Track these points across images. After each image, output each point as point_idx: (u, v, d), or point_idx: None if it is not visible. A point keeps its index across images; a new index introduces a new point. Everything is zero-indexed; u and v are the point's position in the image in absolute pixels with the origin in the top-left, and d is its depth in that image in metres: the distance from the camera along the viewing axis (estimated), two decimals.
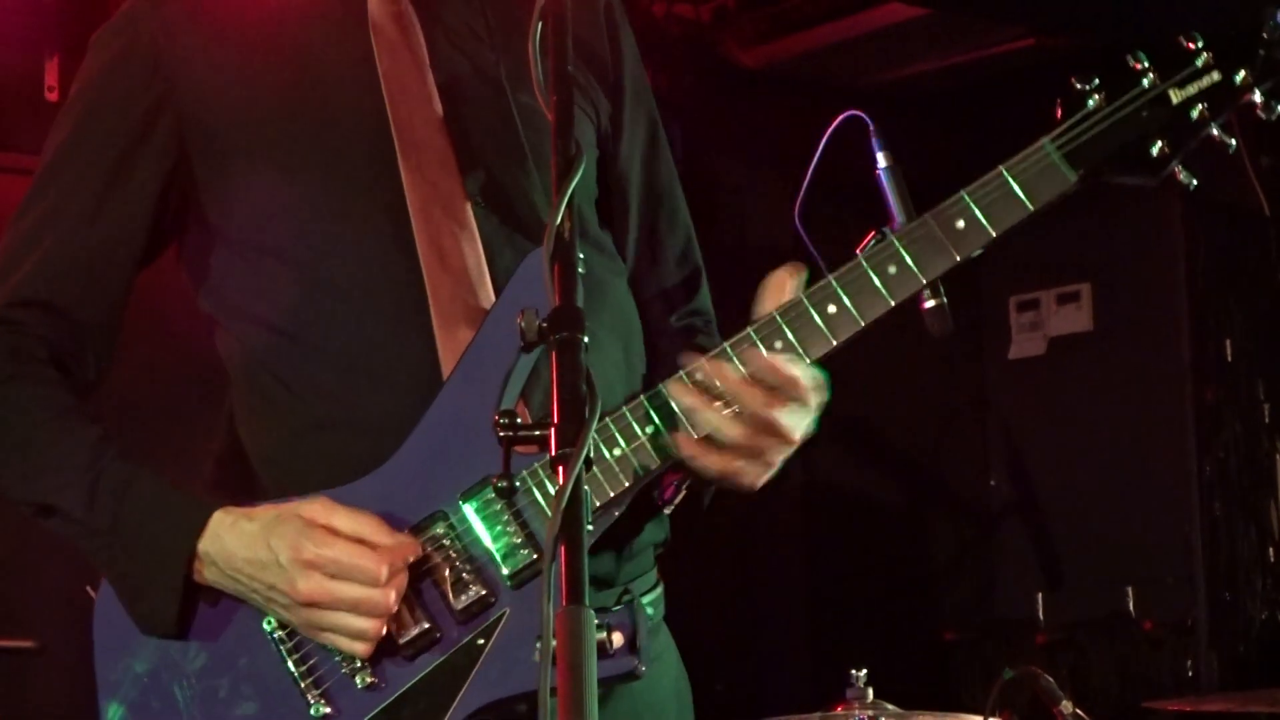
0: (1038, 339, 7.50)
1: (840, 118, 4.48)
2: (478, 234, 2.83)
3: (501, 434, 2.31)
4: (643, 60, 3.13)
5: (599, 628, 2.49)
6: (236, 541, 2.71)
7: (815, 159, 4.51)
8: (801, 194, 4.48)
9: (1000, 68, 7.32)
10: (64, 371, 2.90)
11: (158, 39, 2.90)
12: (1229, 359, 7.14)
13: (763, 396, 2.65)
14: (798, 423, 2.69)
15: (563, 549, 1.97)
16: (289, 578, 2.65)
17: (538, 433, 2.24)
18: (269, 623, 2.74)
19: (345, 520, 2.67)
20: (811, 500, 7.85)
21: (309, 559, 2.65)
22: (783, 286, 2.74)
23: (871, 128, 4.41)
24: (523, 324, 2.27)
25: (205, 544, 2.72)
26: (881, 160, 4.39)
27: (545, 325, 2.22)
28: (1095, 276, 7.21)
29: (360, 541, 2.66)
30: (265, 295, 2.88)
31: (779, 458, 2.72)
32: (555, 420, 2.10)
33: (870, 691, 4.91)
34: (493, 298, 2.79)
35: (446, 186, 2.84)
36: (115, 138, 2.91)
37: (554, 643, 1.95)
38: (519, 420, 2.31)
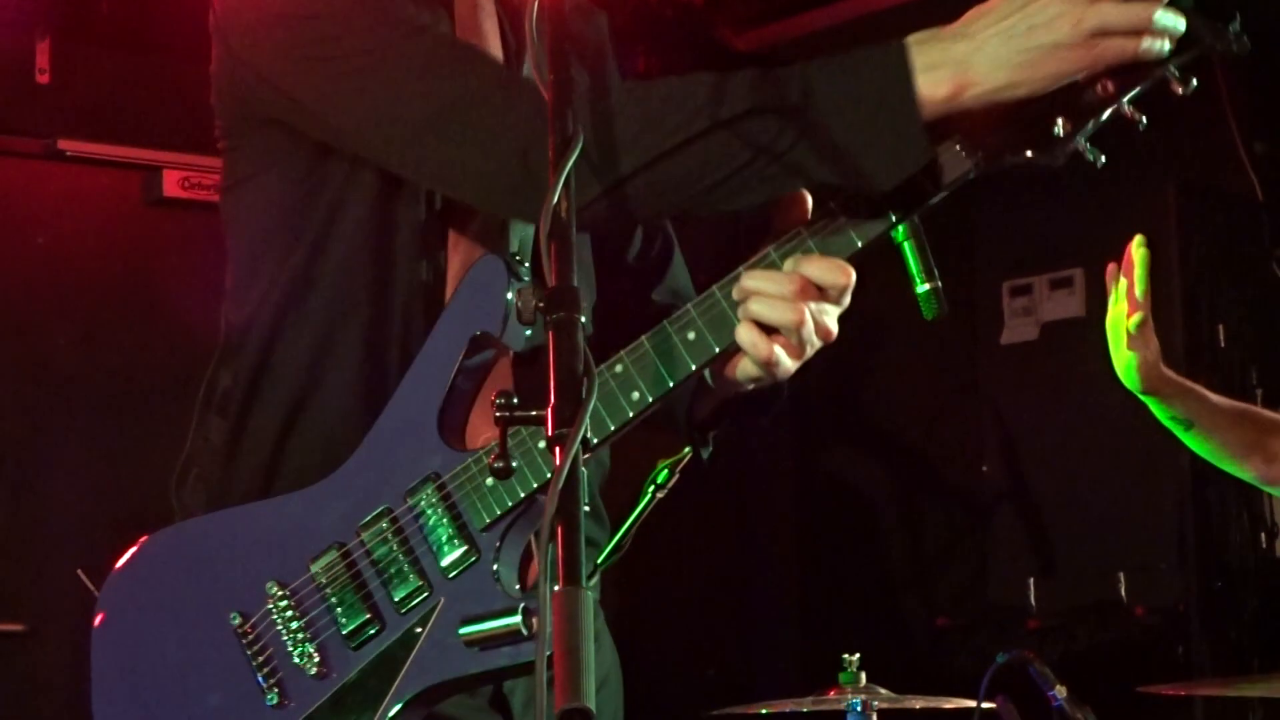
0: (1030, 324, 7.49)
1: None
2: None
3: (498, 414, 2.33)
4: (636, 43, 3.17)
5: (513, 612, 2.66)
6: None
7: None
8: None
9: None
10: None
11: None
12: (1222, 345, 7.13)
13: (816, 294, 2.68)
14: (835, 321, 2.73)
15: (560, 529, 1.96)
16: None
17: (535, 413, 2.24)
18: (235, 617, 2.83)
19: None
20: (804, 486, 7.86)
21: None
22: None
23: None
24: (519, 304, 2.29)
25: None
26: None
27: (542, 305, 2.22)
28: (1088, 262, 7.19)
29: None
30: (285, 300, 2.92)
31: (811, 353, 2.74)
32: (552, 401, 2.10)
33: (863, 676, 4.92)
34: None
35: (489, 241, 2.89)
36: None
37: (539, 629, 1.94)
38: (515, 401, 2.33)
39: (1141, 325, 4.22)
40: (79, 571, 5.56)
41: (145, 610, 2.91)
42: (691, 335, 2.70)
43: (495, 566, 2.75)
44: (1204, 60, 2.60)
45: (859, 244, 2.69)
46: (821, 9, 7.27)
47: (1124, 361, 4.31)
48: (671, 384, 2.71)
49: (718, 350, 2.71)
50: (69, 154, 6.30)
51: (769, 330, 2.68)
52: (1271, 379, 7.19)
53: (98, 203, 6.38)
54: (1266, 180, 7.04)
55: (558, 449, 2.04)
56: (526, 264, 2.82)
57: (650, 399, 2.71)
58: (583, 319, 2.17)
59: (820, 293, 2.67)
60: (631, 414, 2.71)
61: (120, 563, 2.96)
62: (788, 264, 2.68)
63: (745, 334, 2.68)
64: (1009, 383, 7.57)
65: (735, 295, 2.70)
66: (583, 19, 3.12)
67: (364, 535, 2.80)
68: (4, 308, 6.27)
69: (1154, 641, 7.01)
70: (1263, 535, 7.06)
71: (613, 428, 2.72)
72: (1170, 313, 6.99)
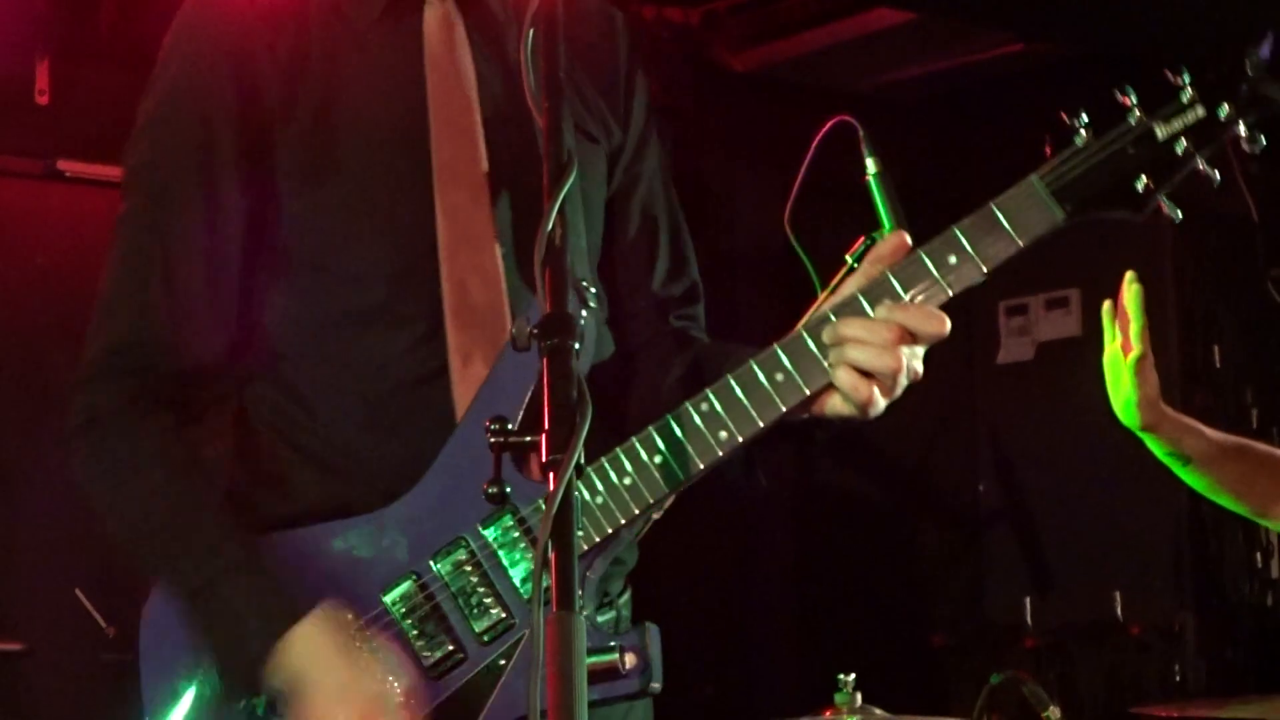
0: (1026, 344, 7.51)
1: (830, 123, 4.48)
2: (503, 277, 2.87)
3: (492, 440, 2.34)
4: (639, 60, 3.17)
5: (611, 650, 2.66)
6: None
7: (805, 164, 4.51)
8: (791, 199, 4.49)
9: (989, 73, 7.33)
10: (183, 405, 2.96)
11: (235, 50, 2.92)
12: (1217, 364, 7.15)
13: (911, 340, 2.74)
14: (921, 363, 2.79)
15: (554, 555, 1.97)
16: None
17: (529, 439, 2.25)
18: None
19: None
20: (801, 504, 7.86)
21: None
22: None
23: (861, 133, 4.42)
24: (513, 330, 2.30)
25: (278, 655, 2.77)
26: (871, 166, 4.39)
27: (536, 331, 2.23)
28: (1084, 282, 7.21)
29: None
30: (291, 329, 2.92)
31: (900, 393, 2.79)
32: (546, 426, 2.11)
33: (859, 696, 4.93)
34: None
35: (478, 229, 2.88)
36: (200, 156, 2.93)
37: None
38: (510, 427, 2.34)
39: (1141, 361, 4.23)
40: (77, 591, 5.57)
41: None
42: (780, 377, 2.73)
43: (588, 604, 2.76)
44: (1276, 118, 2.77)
45: (950, 294, 2.74)
46: (818, 29, 7.28)
47: (1123, 399, 4.32)
48: (762, 424, 2.74)
49: (808, 393, 2.74)
50: (68, 175, 6.31)
51: (864, 374, 2.72)
52: (1267, 398, 7.21)
53: (97, 223, 6.33)
54: (1262, 200, 7.05)
55: (551, 475, 2.05)
56: (594, 290, 2.81)
57: (740, 439, 2.74)
58: (577, 345, 2.19)
59: (913, 339, 2.73)
60: (720, 453, 2.74)
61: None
62: (880, 311, 2.72)
63: (846, 378, 2.71)
64: (1005, 402, 7.59)
65: (826, 339, 2.73)
66: (592, 26, 3.09)
67: (439, 566, 2.79)
68: (2, 328, 6.28)
69: (1149, 660, 7.02)
70: (1259, 555, 7.08)
71: (701, 466, 2.74)
72: (1166, 333, 7.01)
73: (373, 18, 2.93)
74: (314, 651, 2.73)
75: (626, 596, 3.06)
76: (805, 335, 2.75)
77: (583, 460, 2.08)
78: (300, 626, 2.74)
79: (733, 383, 2.74)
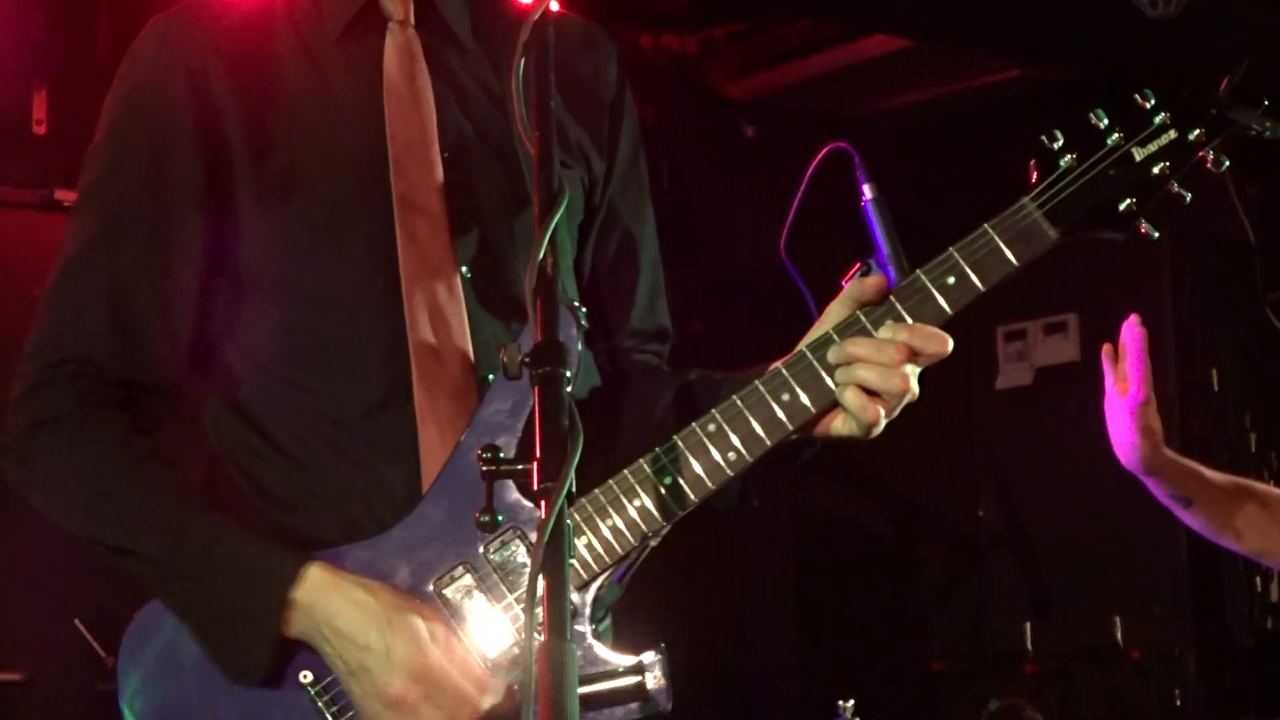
0: (1025, 369, 7.51)
1: (825, 150, 4.49)
2: (464, 304, 2.87)
3: (484, 468, 2.34)
4: (630, 91, 3.17)
5: (635, 670, 2.69)
6: (343, 608, 2.72)
7: (801, 191, 4.52)
8: (788, 226, 4.49)
9: (985, 99, 7.34)
10: (132, 414, 2.91)
11: (192, 69, 2.91)
12: (1215, 388, 7.15)
13: (913, 359, 2.77)
14: (917, 382, 2.81)
15: (544, 582, 1.98)
16: (388, 677, 2.68)
17: (520, 467, 2.25)
18: (305, 675, 2.77)
19: (460, 644, 2.73)
20: (800, 530, 7.86)
21: (419, 670, 2.68)
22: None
23: (857, 160, 4.42)
24: (505, 358, 2.31)
25: (300, 594, 2.73)
26: (867, 192, 4.40)
27: (527, 359, 2.24)
28: (1082, 306, 7.22)
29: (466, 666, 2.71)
30: (251, 352, 2.91)
31: (899, 412, 2.82)
32: (538, 454, 2.12)
33: None
34: (474, 368, 2.85)
35: (439, 254, 2.88)
36: (151, 177, 2.92)
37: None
38: (502, 455, 2.34)
39: (1144, 406, 4.23)
40: (76, 621, 5.57)
41: (194, 664, 2.83)
42: (786, 397, 2.76)
43: (591, 626, 2.75)
44: (1238, 139, 2.87)
45: (950, 312, 2.77)
46: (814, 56, 7.30)
47: (1125, 443, 4.32)
48: (770, 443, 2.75)
49: (814, 412, 2.76)
50: (66, 205, 6.31)
51: (870, 393, 2.75)
52: (1265, 421, 7.21)
53: None
54: (1258, 223, 7.06)
55: (543, 502, 2.05)
56: (585, 310, 2.80)
57: (749, 459, 2.75)
58: (569, 373, 2.19)
59: (916, 357, 2.76)
60: (730, 473, 2.75)
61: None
62: (885, 331, 2.75)
63: (854, 398, 2.74)
64: (1004, 427, 7.59)
65: (833, 359, 2.75)
66: (580, 52, 3.10)
67: (445, 591, 2.76)
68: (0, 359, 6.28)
69: (1150, 685, 7.01)
70: (1257, 577, 7.07)
71: (711, 486, 2.76)
72: (1164, 357, 7.01)
73: (329, 41, 2.93)
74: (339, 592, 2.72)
75: (603, 626, 3.00)
76: (810, 355, 2.77)
77: (574, 488, 2.08)
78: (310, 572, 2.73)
79: (739, 403, 2.76)
